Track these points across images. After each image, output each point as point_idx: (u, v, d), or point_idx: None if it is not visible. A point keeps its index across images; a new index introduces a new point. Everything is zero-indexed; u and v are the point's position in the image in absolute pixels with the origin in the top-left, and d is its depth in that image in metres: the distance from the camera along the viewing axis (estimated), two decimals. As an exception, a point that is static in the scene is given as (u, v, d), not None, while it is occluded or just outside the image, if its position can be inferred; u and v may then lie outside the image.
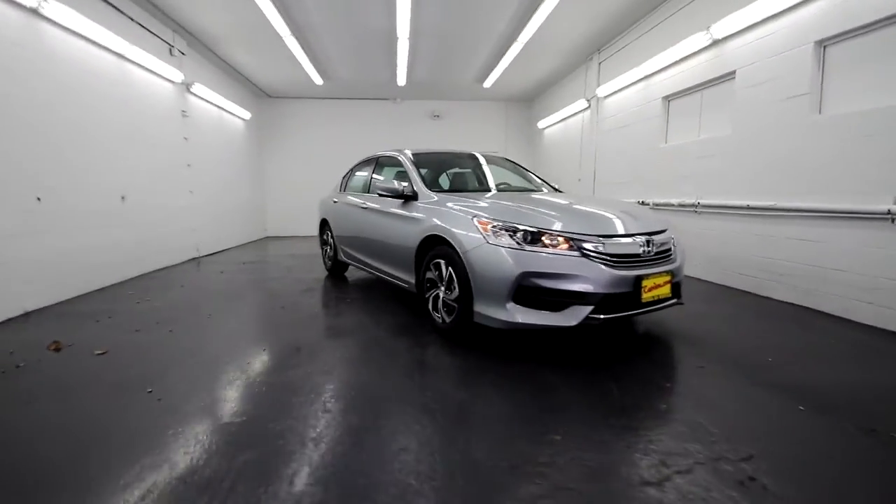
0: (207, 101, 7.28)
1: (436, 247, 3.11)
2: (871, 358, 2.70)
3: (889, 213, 3.11)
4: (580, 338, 3.00)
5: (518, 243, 2.57)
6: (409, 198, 3.59)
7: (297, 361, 2.63)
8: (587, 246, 2.56)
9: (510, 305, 2.54)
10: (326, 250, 5.54)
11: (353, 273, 5.60)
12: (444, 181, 4.20)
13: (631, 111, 6.47)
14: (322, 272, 5.67)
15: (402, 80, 8.61)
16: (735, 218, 4.51)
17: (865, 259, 3.31)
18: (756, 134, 4.31)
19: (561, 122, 9.18)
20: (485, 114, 10.95)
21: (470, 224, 2.79)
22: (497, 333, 3.02)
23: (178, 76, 6.10)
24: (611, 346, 2.90)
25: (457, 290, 2.84)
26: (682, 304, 2.93)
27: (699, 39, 4.86)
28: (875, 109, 3.28)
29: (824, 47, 3.67)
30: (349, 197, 4.87)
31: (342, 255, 5.05)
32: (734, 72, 4.55)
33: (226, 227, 8.11)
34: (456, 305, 2.87)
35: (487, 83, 8.90)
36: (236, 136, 8.71)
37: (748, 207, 4.34)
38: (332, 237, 5.26)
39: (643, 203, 5.91)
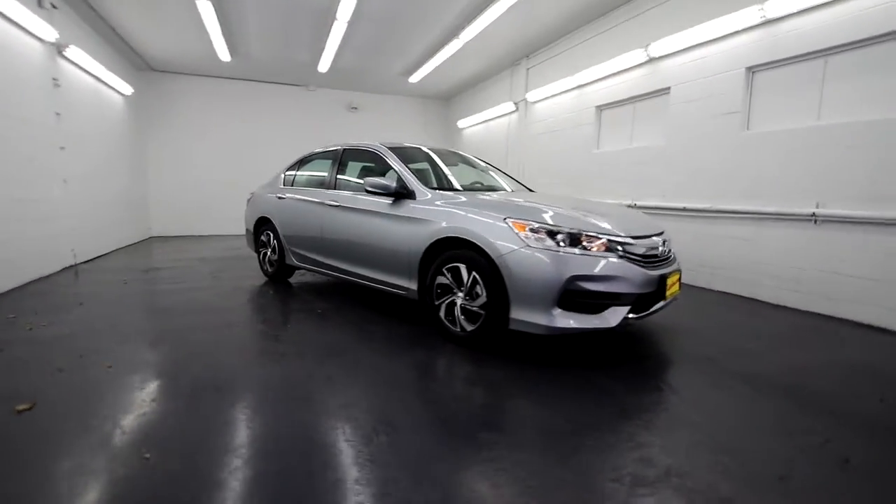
0: (84, 70, 5.80)
1: (449, 250, 2.89)
2: (789, 334, 3.24)
3: (813, 215, 3.76)
4: (569, 338, 3.05)
5: (559, 246, 2.50)
6: (401, 196, 3.28)
7: (312, 409, 2.19)
8: (622, 247, 2.60)
9: (556, 310, 2.46)
10: (266, 253, 4.82)
11: (297, 278, 4.98)
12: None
13: (563, 117, 6.86)
14: (258, 278, 4.93)
15: (325, 65, 7.92)
16: (672, 218, 5.05)
17: (792, 254, 3.96)
18: (690, 144, 4.87)
19: (483, 123, 9.38)
20: (403, 109, 10.68)
21: (501, 226, 2.63)
22: (517, 340, 2.91)
23: (51, 34, 4.73)
24: (593, 345, 3.00)
25: (484, 296, 2.66)
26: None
27: (636, 56, 5.34)
28: (796, 129, 3.93)
29: (753, 73, 4.30)
30: (303, 193, 4.30)
31: (292, 258, 4.44)
32: (669, 88, 5.09)
33: (105, 227, 6.59)
34: (482, 312, 2.69)
35: (415, 78, 8.68)
36: (115, 116, 7.12)
37: (684, 209, 4.90)
38: (275, 238, 4.60)
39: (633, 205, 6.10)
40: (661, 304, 2.74)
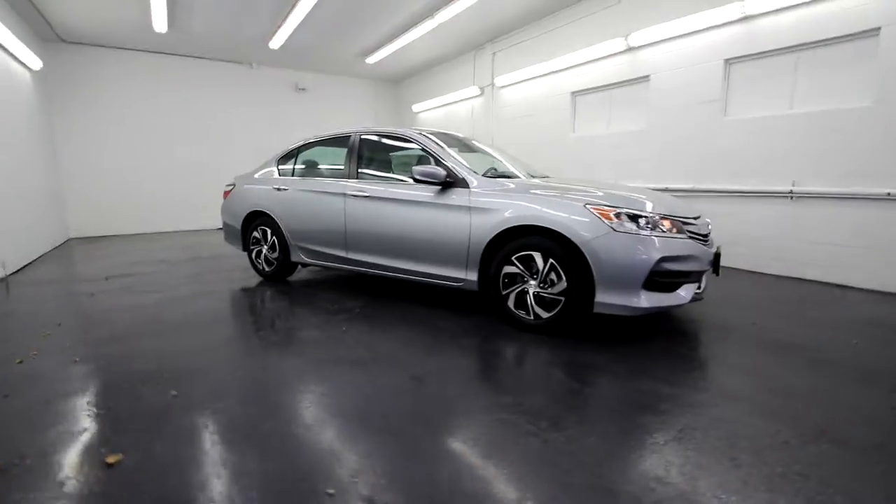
0: (-12, 36, 4.69)
1: (514, 240, 2.86)
2: (769, 294, 3.75)
3: (790, 192, 4.30)
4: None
5: (642, 229, 2.59)
6: (449, 185, 3.16)
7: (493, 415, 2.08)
8: (689, 228, 2.77)
9: (642, 292, 2.57)
10: (261, 251, 4.37)
11: (294, 276, 4.59)
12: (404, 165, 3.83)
13: (537, 102, 7.01)
14: (247, 279, 4.46)
15: (278, 42, 7.22)
16: (654, 199, 5.46)
17: (771, 227, 4.50)
18: (670, 130, 5.27)
19: (443, 107, 9.26)
20: (353, 91, 10.16)
21: (583, 212, 2.65)
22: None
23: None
24: (623, 322, 3.23)
25: (563, 282, 2.69)
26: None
27: (616, 44, 5.60)
28: (771, 116, 4.44)
29: (730, 64, 4.74)
30: (313, 184, 3.95)
31: (300, 255, 4.08)
32: (649, 76, 5.44)
33: (24, 230, 5.48)
34: (562, 299, 2.72)
35: (373, 59, 8.27)
36: (22, 95, 5.87)
37: (666, 189, 5.31)
38: (275, 234, 4.18)
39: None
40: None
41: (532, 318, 2.86)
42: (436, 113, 9.53)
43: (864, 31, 3.79)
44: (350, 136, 3.91)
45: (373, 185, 3.60)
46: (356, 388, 2.14)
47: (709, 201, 4.96)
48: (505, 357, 2.62)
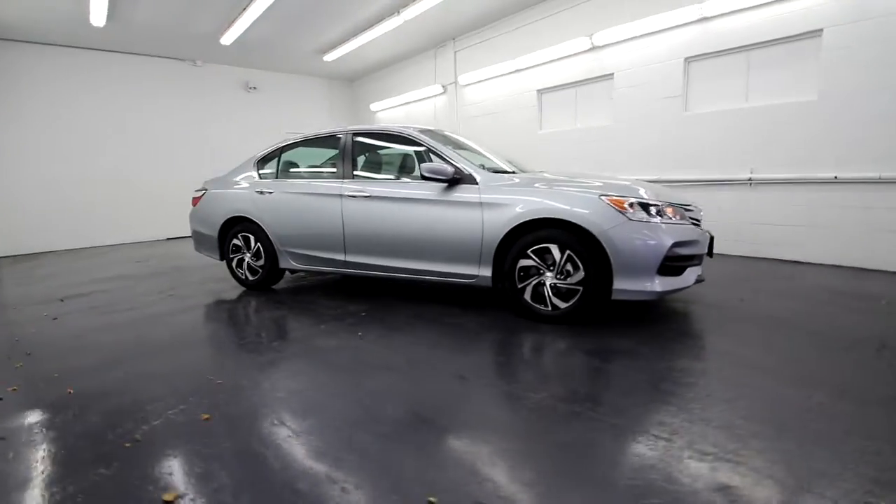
0: None
1: (529, 233, 2.91)
2: (733, 271, 4.14)
3: (749, 179, 4.71)
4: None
5: (653, 217, 2.73)
6: (456, 181, 3.15)
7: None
8: (689, 214, 2.96)
9: (657, 276, 2.70)
10: (243, 259, 4.10)
11: (279, 283, 4.36)
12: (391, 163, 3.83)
13: (503, 100, 7.14)
14: (226, 290, 4.18)
15: (231, 37, 6.80)
16: (623, 190, 5.76)
17: (731, 212, 4.90)
18: (635, 124, 5.58)
19: (403, 106, 9.17)
20: (307, 90, 9.80)
21: (598, 202, 2.75)
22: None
23: None
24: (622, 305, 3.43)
25: (581, 272, 2.78)
26: None
27: (581, 43, 5.83)
28: (728, 109, 4.83)
29: (689, 62, 5.09)
30: (302, 186, 3.77)
31: (289, 261, 3.88)
32: (613, 74, 5.72)
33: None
34: (580, 288, 2.80)
35: (331, 56, 8.02)
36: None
37: (635, 180, 5.61)
38: (259, 241, 3.95)
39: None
40: None
41: (550, 309, 2.92)
42: (396, 112, 9.42)
43: (809, 32, 4.22)
44: (340, 135, 3.77)
45: (372, 184, 3.51)
46: (413, 396, 2.07)
47: (674, 191, 5.30)
48: (537, 349, 2.64)
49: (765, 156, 4.62)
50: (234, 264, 4.20)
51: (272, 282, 4.15)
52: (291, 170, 4.02)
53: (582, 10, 5.85)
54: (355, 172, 3.64)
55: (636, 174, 5.58)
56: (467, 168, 3.17)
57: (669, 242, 2.67)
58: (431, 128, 4.11)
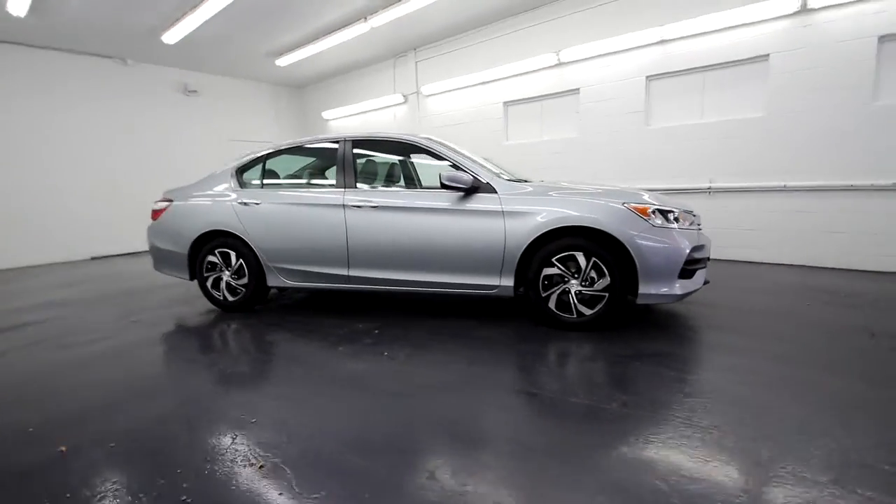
0: None
1: (552, 241, 2.91)
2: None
3: (709, 188, 5.15)
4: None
5: (670, 223, 2.86)
6: (473, 190, 3.08)
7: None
8: (696, 220, 3.14)
9: (677, 280, 2.83)
10: (221, 278, 3.68)
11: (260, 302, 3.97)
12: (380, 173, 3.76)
13: (468, 111, 7.20)
14: (197, 313, 3.73)
15: (176, 35, 6.17)
16: (592, 199, 6.03)
17: (695, 218, 5.31)
18: (601, 137, 5.89)
19: (361, 115, 8.92)
20: (252, 96, 9.19)
21: (623, 210, 2.82)
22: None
23: None
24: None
25: (607, 278, 2.83)
26: None
27: (548, 59, 6.06)
28: (686, 125, 5.27)
29: (650, 80, 5.49)
30: (296, 198, 3.49)
31: (280, 278, 3.55)
32: (579, 89, 6.00)
33: None
34: (605, 295, 2.85)
35: (285, 61, 7.59)
36: None
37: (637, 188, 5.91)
38: (243, 255, 3.57)
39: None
40: None
41: (575, 316, 2.93)
42: (352, 121, 9.14)
43: (758, 57, 4.74)
44: (337, 141, 3.55)
45: (378, 194, 3.33)
46: (495, 417, 1.95)
47: (672, 198, 5.66)
48: (582, 357, 2.59)
49: (721, 167, 5.09)
50: (208, 284, 3.76)
51: (256, 302, 3.76)
52: (280, 179, 3.71)
53: (549, 27, 6.09)
54: (357, 181, 3.43)
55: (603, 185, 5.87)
56: (484, 176, 3.12)
57: (689, 247, 2.81)
58: (429, 136, 4.01)
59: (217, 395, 2.27)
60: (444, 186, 3.05)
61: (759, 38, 4.70)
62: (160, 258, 3.97)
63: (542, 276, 2.94)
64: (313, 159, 3.85)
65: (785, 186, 4.70)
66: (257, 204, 3.55)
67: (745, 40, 4.77)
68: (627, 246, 2.77)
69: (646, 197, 2.97)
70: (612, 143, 5.80)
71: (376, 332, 3.11)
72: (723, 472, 1.49)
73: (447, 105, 7.48)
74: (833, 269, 4.51)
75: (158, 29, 6.06)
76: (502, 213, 2.99)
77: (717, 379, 2.21)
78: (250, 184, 3.75)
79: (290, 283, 3.56)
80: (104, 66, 7.14)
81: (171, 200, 3.89)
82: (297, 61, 7.65)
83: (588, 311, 2.91)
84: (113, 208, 7.30)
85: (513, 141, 6.85)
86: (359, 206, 3.28)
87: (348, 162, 3.46)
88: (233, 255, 3.62)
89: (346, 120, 9.24)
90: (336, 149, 3.53)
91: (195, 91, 8.20)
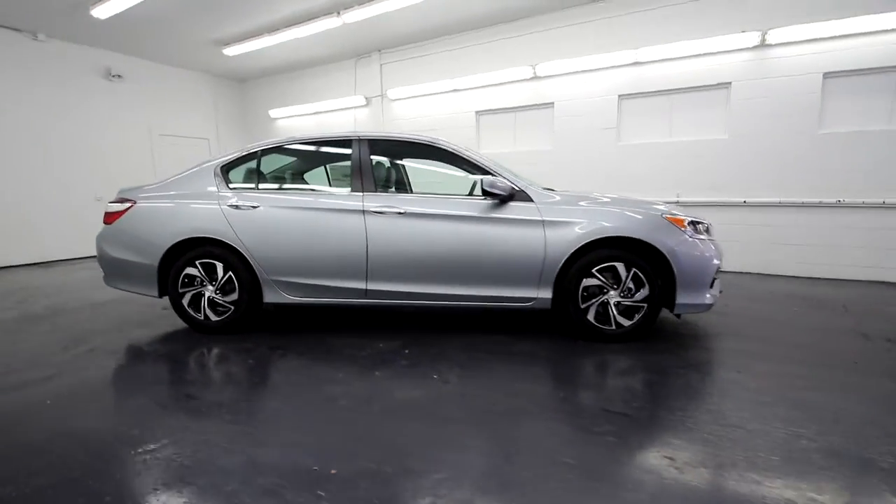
0: None
1: (590, 252, 2.86)
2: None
3: (677, 202, 5.50)
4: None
5: (700, 234, 2.94)
6: (508, 199, 2.94)
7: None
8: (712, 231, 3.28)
9: (708, 289, 2.91)
10: (200, 295, 3.12)
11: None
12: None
13: (437, 118, 7.04)
14: (168, 338, 3.14)
15: (109, 10, 5.26)
16: (565, 210, 6.18)
17: (665, 230, 5.65)
18: (575, 151, 6.07)
19: (315, 115, 8.35)
20: (186, 86, 8.20)
21: (662, 221, 2.86)
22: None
23: None
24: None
25: (646, 289, 2.83)
26: None
27: (523, 72, 6.13)
28: (655, 142, 5.61)
29: (623, 99, 5.77)
30: (304, 198, 3.09)
31: (277, 293, 3.08)
32: (553, 103, 6.14)
33: None
34: (644, 305, 2.85)
35: (234, 50, 6.85)
36: None
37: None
38: (233, 267, 3.06)
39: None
40: None
41: (614, 327, 2.90)
42: (305, 121, 8.52)
43: (721, 84, 5.18)
44: (349, 140, 3.20)
45: (404, 200, 3.03)
46: (599, 442, 1.79)
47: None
48: (639, 371, 2.53)
49: (688, 182, 5.47)
50: (185, 302, 3.16)
51: (245, 323, 3.22)
52: (280, 179, 3.26)
53: (526, 40, 6.17)
54: (376, 184, 3.11)
55: (578, 196, 6.05)
56: (519, 183, 3.00)
57: (719, 257, 2.91)
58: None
59: (263, 467, 1.85)
60: (485, 193, 2.88)
61: (723, 66, 5.15)
62: (116, 270, 3.28)
63: (581, 287, 2.87)
64: (316, 159, 3.44)
65: (745, 202, 5.17)
66: (254, 207, 3.07)
67: (712, 68, 5.20)
68: (668, 256, 2.80)
69: (662, 206, 3.04)
70: (585, 156, 6.00)
71: (406, 351, 2.82)
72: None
73: (416, 111, 7.27)
74: (791, 276, 5.02)
75: (87, 1, 5.13)
76: (542, 223, 2.89)
77: (777, 386, 2.27)
78: (240, 184, 3.24)
79: (292, 298, 3.11)
80: (11, 39, 5.89)
81: (132, 201, 3.24)
82: (247, 52, 6.95)
83: (627, 322, 2.89)
84: (26, 208, 6.06)
85: (485, 150, 6.81)
86: (381, 213, 2.97)
87: (365, 162, 3.13)
88: (219, 266, 3.09)
89: (297, 120, 8.60)
90: (350, 147, 3.18)
91: (119, 76, 7.09)
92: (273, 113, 8.71)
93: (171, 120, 7.95)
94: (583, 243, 2.84)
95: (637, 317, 2.88)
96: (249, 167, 3.29)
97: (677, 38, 5.21)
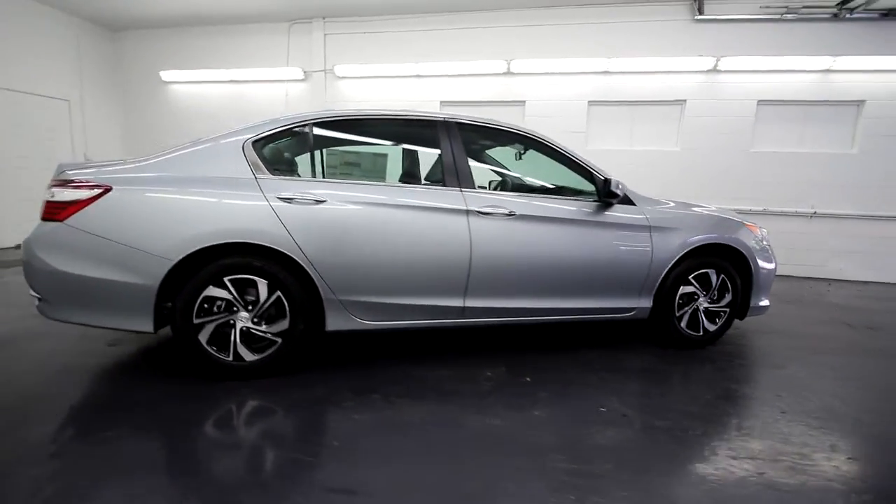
0: None
1: (687, 259, 2.85)
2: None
3: (639, 206, 5.95)
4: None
5: (764, 241, 3.14)
6: (608, 203, 2.74)
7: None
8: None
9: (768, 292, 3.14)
10: (229, 325, 2.19)
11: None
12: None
13: (397, 104, 6.36)
14: (171, 387, 2.18)
15: None
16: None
17: (626, 231, 6.06)
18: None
19: (230, 84, 6.84)
20: (35, 26, 5.92)
21: (744, 228, 2.97)
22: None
23: None
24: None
25: (729, 294, 2.93)
26: None
27: (497, 65, 5.94)
28: (618, 150, 5.99)
29: (591, 105, 5.99)
30: (387, 190, 2.40)
31: (348, 317, 2.34)
32: (525, 101, 6.08)
33: None
34: (726, 310, 2.95)
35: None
36: None
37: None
38: (280, 286, 2.21)
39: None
40: None
41: (701, 333, 2.93)
42: (214, 89, 6.92)
43: (676, 100, 5.75)
44: (436, 120, 2.60)
45: (505, 198, 2.57)
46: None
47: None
48: (757, 380, 2.60)
49: (645, 190, 5.94)
50: (202, 337, 2.18)
51: (292, 361, 2.36)
52: (348, 165, 2.48)
53: (497, 33, 5.97)
54: (474, 178, 2.58)
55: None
56: (620, 186, 2.80)
57: (776, 262, 3.16)
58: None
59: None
60: (610, 194, 2.61)
61: (679, 84, 5.71)
62: (69, 294, 2.11)
63: (678, 294, 2.83)
64: (387, 140, 2.71)
65: (695, 208, 5.84)
66: (317, 202, 2.26)
67: (669, 86, 5.74)
68: (750, 263, 2.93)
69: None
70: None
71: (527, 379, 2.41)
72: None
73: (369, 93, 6.49)
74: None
75: None
76: (649, 228, 2.75)
77: (868, 375, 2.53)
78: (287, 168, 2.38)
79: (367, 323, 2.39)
80: None
81: (104, 187, 2.10)
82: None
83: (712, 327, 2.95)
84: None
85: (446, 144, 6.44)
86: (488, 213, 2.47)
87: (459, 150, 2.57)
88: (262, 284, 2.20)
89: (202, 87, 6.94)
90: (435, 129, 2.57)
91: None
92: (166, 75, 6.88)
93: (14, 70, 5.66)
94: (687, 250, 2.80)
95: (719, 321, 2.97)
96: (295, 145, 2.43)
97: (645, 53, 5.60)
